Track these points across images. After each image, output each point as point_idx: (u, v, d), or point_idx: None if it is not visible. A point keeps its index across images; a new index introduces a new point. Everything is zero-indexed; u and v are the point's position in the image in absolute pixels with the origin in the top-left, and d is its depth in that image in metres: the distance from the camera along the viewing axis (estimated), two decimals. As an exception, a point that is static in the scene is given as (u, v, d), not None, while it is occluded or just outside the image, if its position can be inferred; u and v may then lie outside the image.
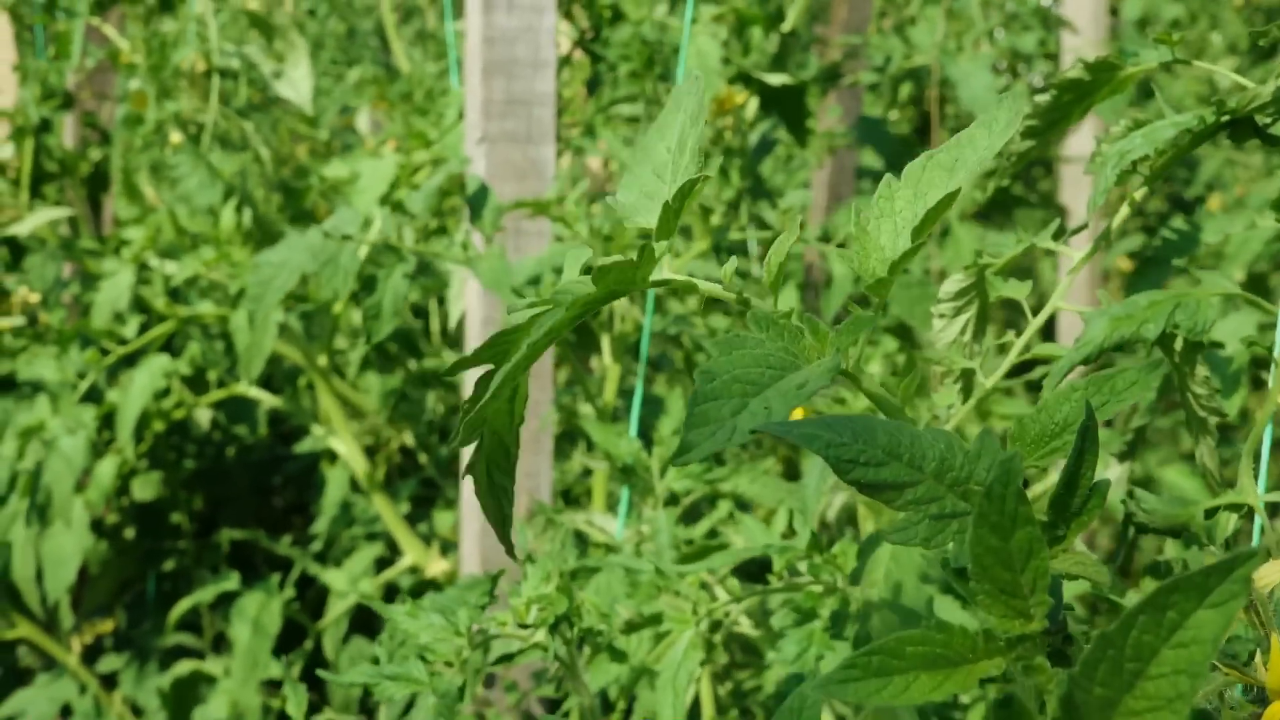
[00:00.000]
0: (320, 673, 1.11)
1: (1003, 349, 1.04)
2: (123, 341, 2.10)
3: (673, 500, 1.48)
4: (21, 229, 2.37)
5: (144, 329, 2.18)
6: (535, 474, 2.00)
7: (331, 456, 2.82)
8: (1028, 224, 3.18)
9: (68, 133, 2.80)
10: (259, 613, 2.18)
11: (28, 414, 2.06)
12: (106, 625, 2.83)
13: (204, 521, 2.83)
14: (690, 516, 1.64)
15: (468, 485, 2.06)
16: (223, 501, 2.86)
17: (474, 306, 1.94)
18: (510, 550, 0.83)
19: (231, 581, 2.31)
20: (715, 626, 1.18)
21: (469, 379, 1.97)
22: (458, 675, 1.05)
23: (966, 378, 1.10)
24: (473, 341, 1.96)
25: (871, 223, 0.75)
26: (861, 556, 1.15)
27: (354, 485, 2.82)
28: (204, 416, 2.69)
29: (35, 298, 2.77)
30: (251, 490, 2.94)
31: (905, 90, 3.24)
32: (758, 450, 2.08)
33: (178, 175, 2.06)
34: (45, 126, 2.57)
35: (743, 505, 1.59)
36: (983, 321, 1.13)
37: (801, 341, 0.70)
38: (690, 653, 1.14)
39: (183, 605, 2.35)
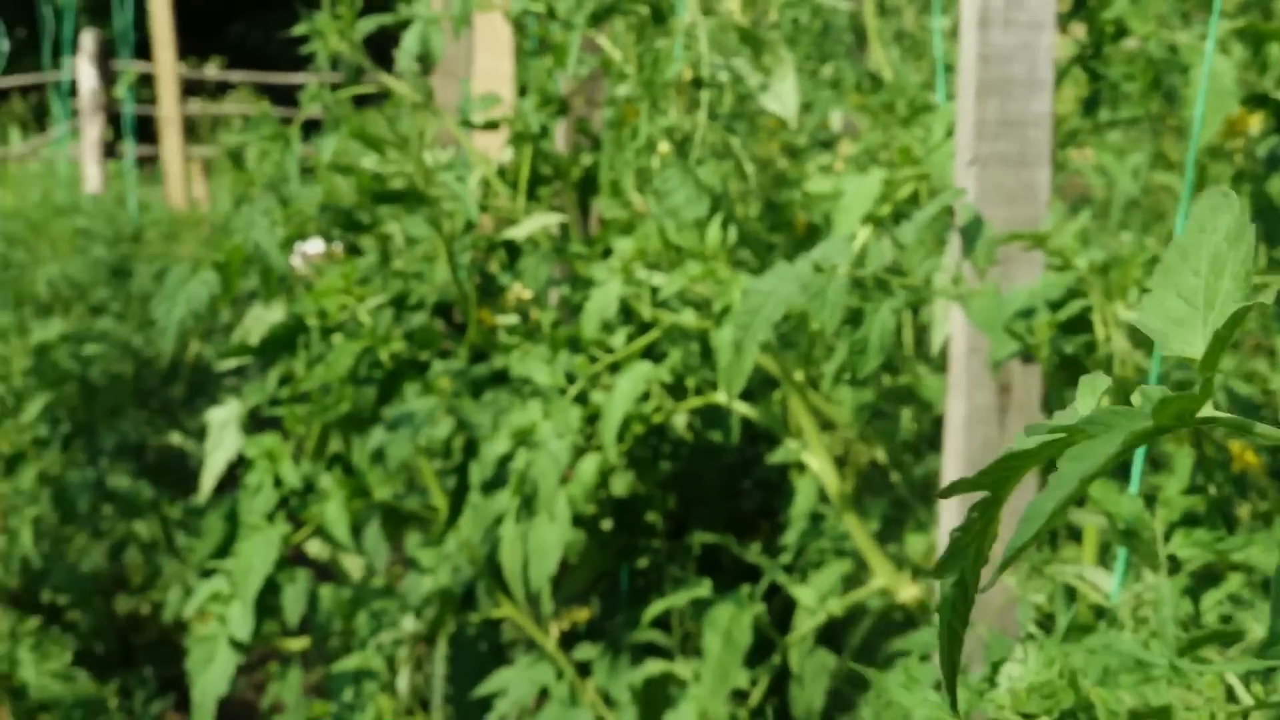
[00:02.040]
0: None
1: None
2: (609, 349, 2.16)
3: (1175, 567, 1.39)
4: (520, 232, 2.48)
5: (629, 337, 2.23)
6: (1015, 516, 1.94)
7: (801, 467, 2.82)
8: None
9: (560, 138, 2.91)
10: (730, 624, 2.20)
11: (521, 414, 2.15)
12: (582, 613, 2.94)
13: (676, 520, 2.89)
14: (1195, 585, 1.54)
15: (946, 513, 2.01)
16: (693, 502, 2.91)
17: (959, 335, 1.89)
18: (955, 707, 0.76)
19: (704, 588, 2.35)
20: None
21: (953, 420, 1.92)
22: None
23: None
24: (957, 372, 1.91)
25: None
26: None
27: (822, 497, 2.81)
28: (679, 420, 2.74)
29: (528, 295, 2.90)
30: (721, 493, 2.98)
31: None
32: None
33: (666, 188, 2.09)
34: (542, 133, 2.67)
35: (1254, 579, 1.48)
36: None
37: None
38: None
39: (657, 607, 2.40)
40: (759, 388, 2.64)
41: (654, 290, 2.14)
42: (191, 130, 10.50)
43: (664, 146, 2.55)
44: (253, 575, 2.55)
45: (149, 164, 11.22)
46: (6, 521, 4.28)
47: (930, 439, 2.63)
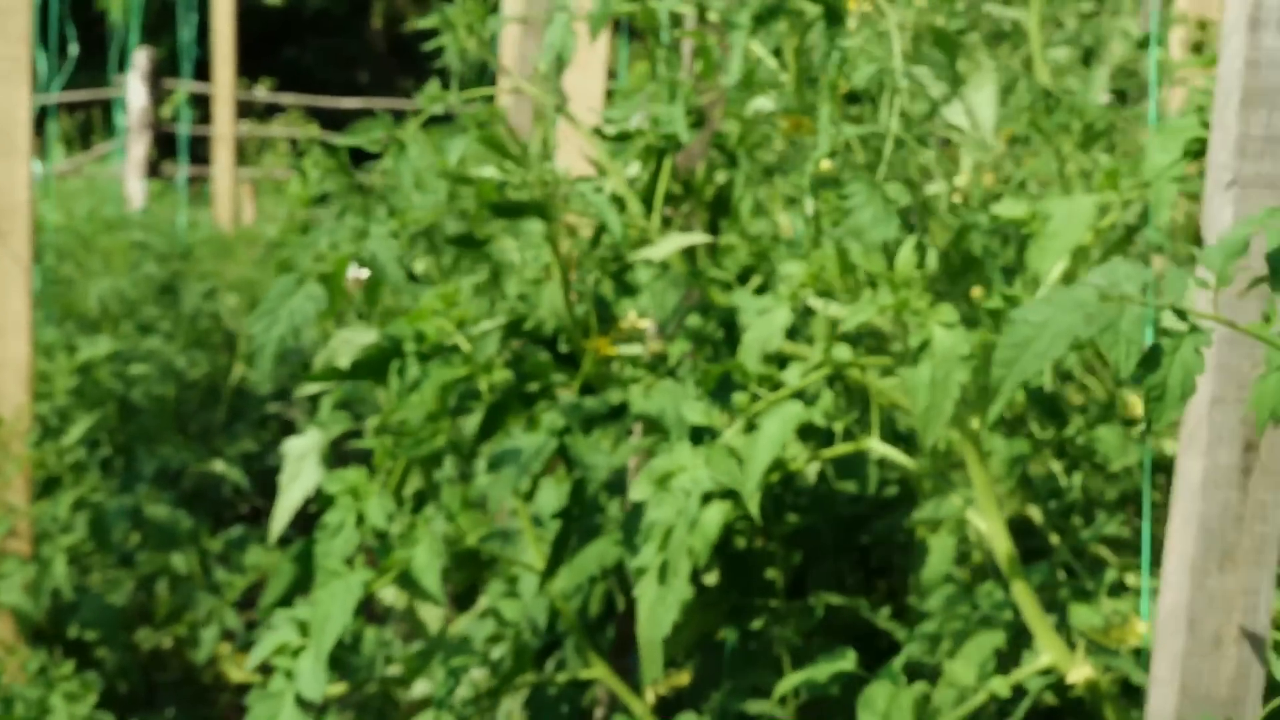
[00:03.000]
0: None
1: None
2: (775, 384, 1.88)
3: None
4: (658, 253, 2.21)
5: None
6: (1253, 591, 1.66)
7: (934, 524, 2.54)
8: None
9: (695, 155, 2.65)
10: (889, 707, 1.92)
11: (667, 458, 1.88)
12: (683, 677, 2.66)
13: (794, 577, 2.61)
14: None
15: (1172, 588, 1.73)
16: (812, 558, 2.63)
17: (1203, 381, 1.62)
18: None
19: (848, 661, 2.07)
20: None
21: (1188, 481, 1.64)
22: None
23: None
24: (1193, 426, 1.64)
25: None
26: None
27: (960, 559, 2.54)
28: (811, 467, 2.47)
29: (644, 323, 2.63)
30: (836, 549, 2.70)
31: None
32: None
33: (851, 205, 1.83)
34: (676, 146, 2.41)
35: None
36: None
37: None
38: None
39: (794, 679, 2.13)
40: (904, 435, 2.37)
41: (833, 324, 1.86)
42: (239, 151, 10.31)
43: (826, 163, 2.28)
44: (330, 626, 2.27)
45: (193, 184, 11.04)
46: (38, 549, 4.01)
47: (1095, 498, 2.35)
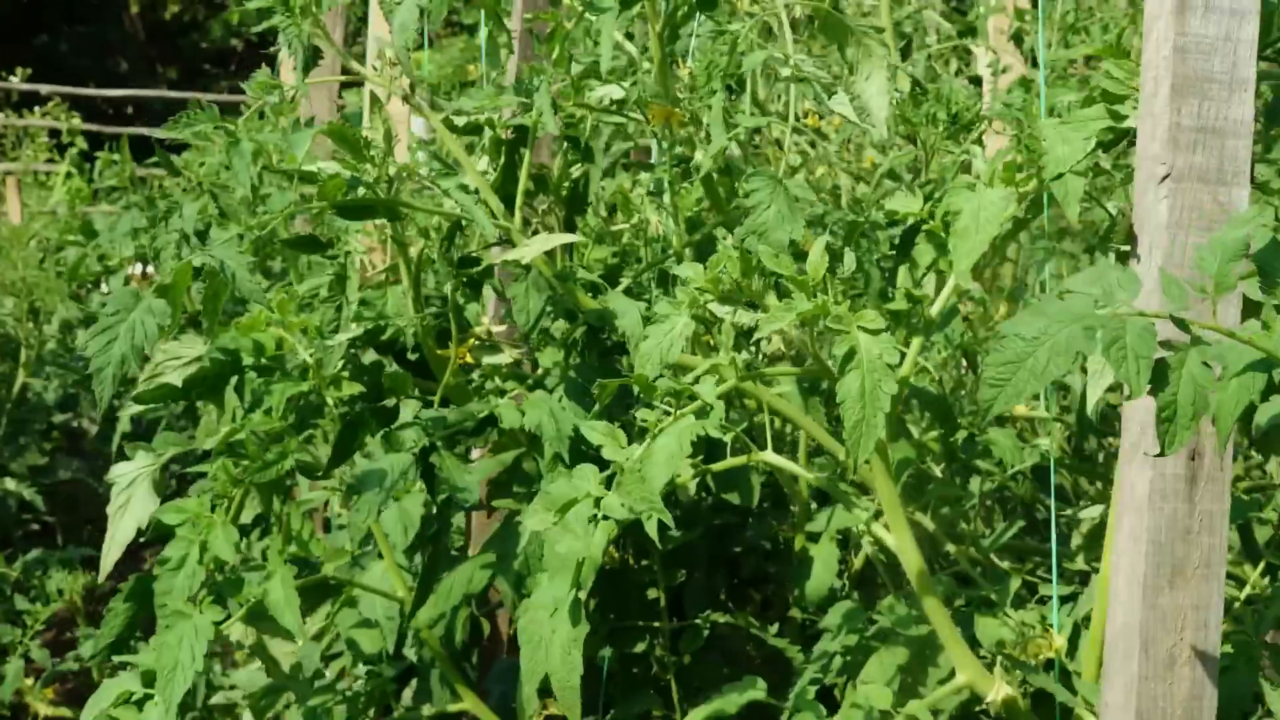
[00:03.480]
0: None
1: None
2: (689, 398, 1.72)
3: None
4: (525, 253, 2.04)
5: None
6: (1203, 606, 1.57)
7: (814, 536, 2.44)
8: None
9: (542, 148, 2.49)
10: (807, 739, 1.79)
11: (566, 483, 1.71)
12: (556, 707, 2.50)
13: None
14: None
15: (1121, 603, 1.63)
16: (688, 572, 2.50)
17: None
18: None
19: (758, 690, 1.94)
20: None
21: (1134, 493, 1.55)
22: None
23: None
24: (1136, 436, 1.55)
25: None
26: None
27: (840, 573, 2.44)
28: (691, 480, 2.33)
29: (499, 328, 2.46)
30: (711, 561, 2.57)
31: None
32: None
33: (752, 202, 1.69)
34: (532, 138, 2.25)
35: None
36: None
37: None
38: None
39: (702, 713, 1.98)
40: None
41: (741, 331, 1.72)
42: (-1, 144, 9.72)
43: (699, 154, 2.14)
44: (179, 674, 2.06)
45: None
46: None
47: (996, 503, 2.26)
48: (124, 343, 1.77)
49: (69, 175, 10.76)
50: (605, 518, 1.69)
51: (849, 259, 1.66)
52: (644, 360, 1.76)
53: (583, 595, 1.80)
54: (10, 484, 4.75)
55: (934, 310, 1.89)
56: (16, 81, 13.74)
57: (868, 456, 1.56)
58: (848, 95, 1.97)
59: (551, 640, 1.70)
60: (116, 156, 7.77)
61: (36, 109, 13.62)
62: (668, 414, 1.69)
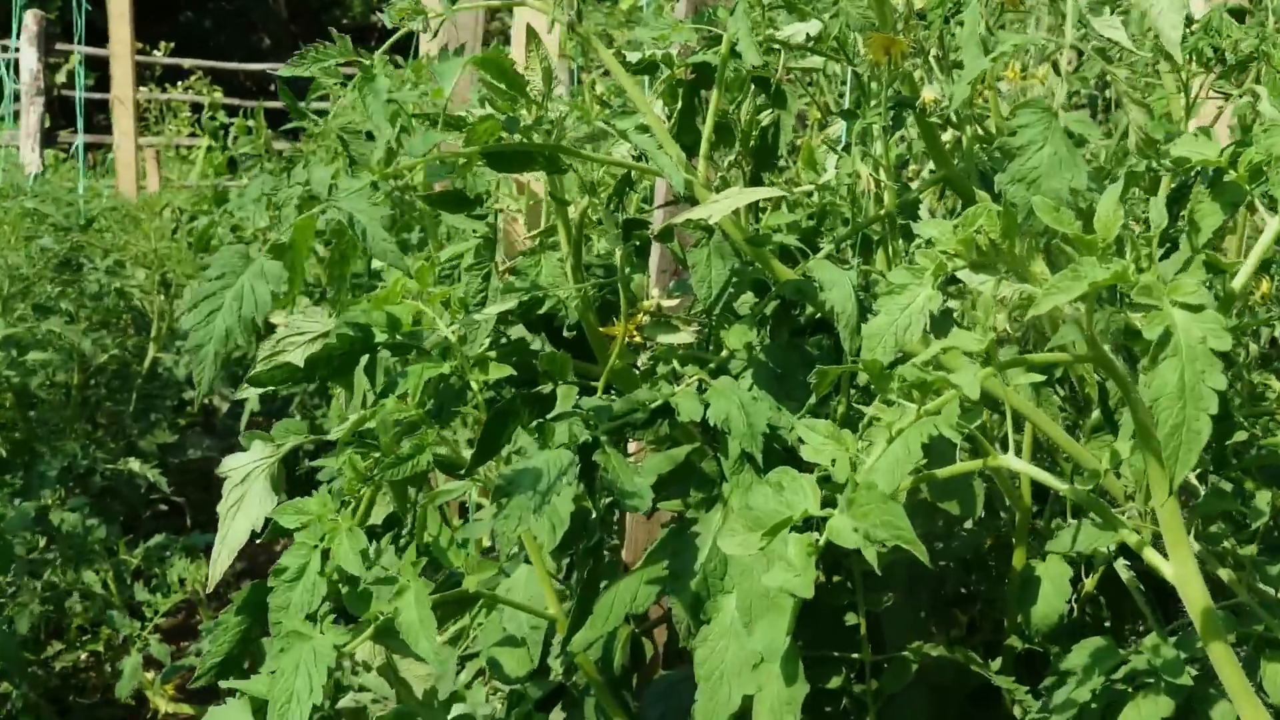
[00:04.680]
0: None
1: None
2: (926, 388, 1.36)
3: None
4: (714, 211, 1.67)
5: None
6: None
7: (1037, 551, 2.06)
8: None
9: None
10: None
11: (777, 499, 1.35)
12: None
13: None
14: None
15: None
16: (890, 594, 2.12)
17: None
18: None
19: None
20: None
21: None
22: None
23: None
24: None
25: None
26: None
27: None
28: (901, 486, 1.95)
29: (669, 302, 2.10)
30: (912, 578, 2.20)
31: None
32: None
33: (1020, 142, 1.31)
34: (704, 80, 1.89)
35: None
36: None
37: None
38: None
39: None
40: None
41: (1003, 305, 1.34)
42: (140, 119, 9.60)
43: (929, 93, 1.77)
44: (295, 707, 1.74)
45: (92, 153, 10.32)
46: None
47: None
48: (229, 314, 1.43)
49: (208, 149, 10.64)
50: (828, 543, 1.32)
51: (1155, 212, 1.27)
52: (873, 342, 1.39)
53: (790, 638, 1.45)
54: (135, 464, 4.51)
55: (1236, 282, 1.49)
56: (160, 56, 13.71)
57: (1187, 471, 1.17)
58: (1118, 15, 1.57)
59: (759, 699, 1.33)
60: (251, 123, 7.58)
61: (179, 83, 13.58)
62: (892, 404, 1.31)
